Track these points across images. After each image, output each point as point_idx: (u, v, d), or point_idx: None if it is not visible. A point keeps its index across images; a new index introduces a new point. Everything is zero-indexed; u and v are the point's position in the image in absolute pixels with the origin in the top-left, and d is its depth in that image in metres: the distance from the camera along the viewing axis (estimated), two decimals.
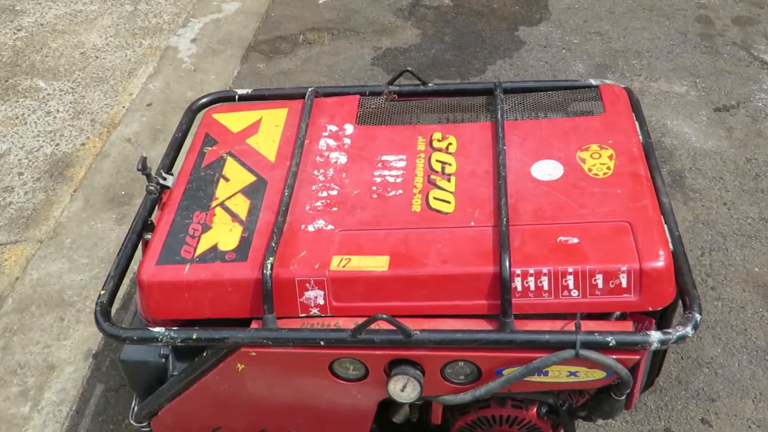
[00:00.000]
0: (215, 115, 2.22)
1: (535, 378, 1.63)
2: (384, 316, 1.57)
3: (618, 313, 1.71)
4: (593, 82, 2.20)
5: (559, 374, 1.63)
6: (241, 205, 1.90)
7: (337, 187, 1.91)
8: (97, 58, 4.14)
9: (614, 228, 1.68)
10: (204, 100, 2.34)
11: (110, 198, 3.26)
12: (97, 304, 1.75)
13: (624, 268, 1.60)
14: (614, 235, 1.67)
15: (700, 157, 3.43)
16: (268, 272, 1.68)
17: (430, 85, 2.27)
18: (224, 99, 2.36)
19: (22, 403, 2.50)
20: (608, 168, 1.84)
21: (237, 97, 2.35)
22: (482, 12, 4.45)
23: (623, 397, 1.70)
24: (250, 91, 2.36)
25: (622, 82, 3.89)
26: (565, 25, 4.31)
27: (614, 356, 1.58)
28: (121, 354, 1.85)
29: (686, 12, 4.39)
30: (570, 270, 1.62)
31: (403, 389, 1.67)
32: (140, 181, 3.34)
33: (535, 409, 1.88)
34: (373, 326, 1.61)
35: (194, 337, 1.67)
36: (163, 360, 1.83)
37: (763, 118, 3.62)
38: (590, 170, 1.84)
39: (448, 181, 1.88)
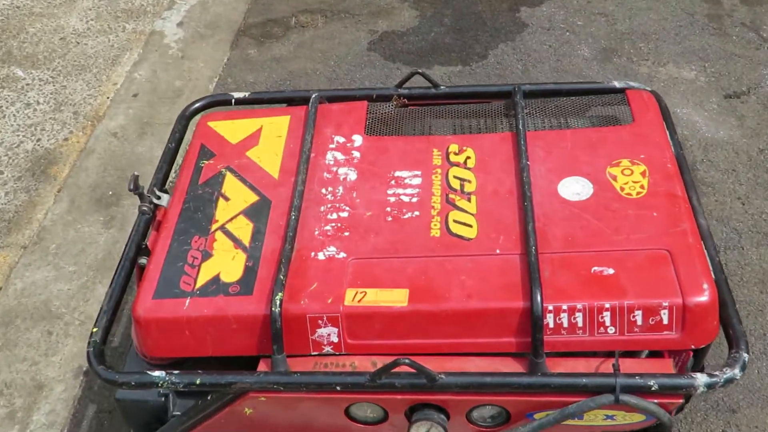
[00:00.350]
0: (211, 124, 2.05)
1: (569, 422, 1.52)
2: (407, 360, 1.44)
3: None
4: (617, 84, 2.05)
5: (594, 418, 1.52)
6: (244, 229, 1.75)
7: (347, 208, 1.76)
8: (78, 43, 3.92)
9: (652, 257, 1.56)
10: (197, 105, 2.17)
11: (97, 198, 3.09)
12: (89, 344, 1.60)
13: (665, 304, 1.48)
14: (653, 266, 1.54)
15: (711, 147, 3.30)
16: (278, 309, 1.54)
17: (441, 87, 2.12)
18: (219, 103, 2.20)
19: (9, 426, 2.36)
20: (642, 187, 1.71)
21: (233, 101, 2.18)
22: None
23: None
24: (247, 94, 2.19)
25: (629, 67, 3.75)
26: (569, 6, 4.14)
27: (656, 400, 1.46)
28: (117, 392, 1.71)
29: None
30: (607, 306, 1.49)
31: None
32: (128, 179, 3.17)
33: None
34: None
35: (198, 382, 1.53)
36: (163, 399, 1.69)
37: None
38: (622, 189, 1.71)
39: (469, 201, 1.74)
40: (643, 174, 1.73)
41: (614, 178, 1.74)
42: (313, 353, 1.59)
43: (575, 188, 1.73)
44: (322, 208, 1.77)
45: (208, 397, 1.60)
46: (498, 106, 2.02)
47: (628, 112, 1.91)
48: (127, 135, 3.37)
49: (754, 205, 3.04)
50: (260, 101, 2.21)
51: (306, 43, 3.93)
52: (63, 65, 3.78)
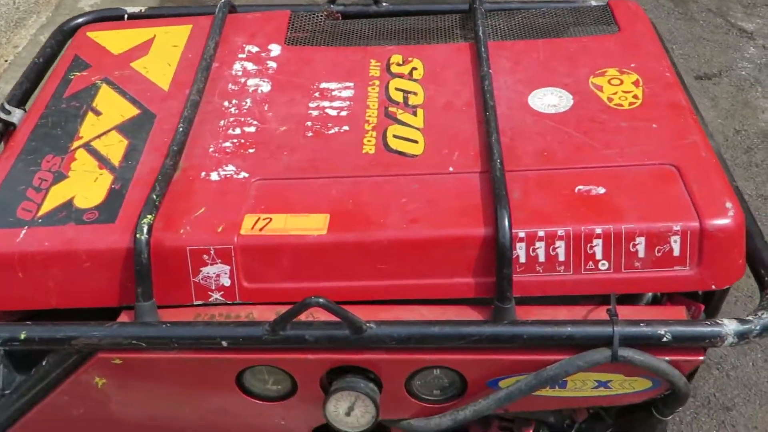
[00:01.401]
0: (91, 34, 1.63)
1: (547, 392, 1.10)
2: (321, 300, 1.01)
3: (649, 295, 1.20)
4: (594, 2, 1.69)
5: (582, 385, 1.11)
6: (115, 147, 1.32)
7: (255, 123, 1.35)
8: None
9: (655, 173, 1.18)
10: (80, 20, 1.74)
11: None
12: None
13: (676, 228, 1.09)
14: (656, 183, 1.16)
15: None
16: (144, 237, 1.10)
17: (384, 4, 1.73)
18: (108, 19, 1.76)
19: None
20: (635, 97, 1.33)
21: (126, 16, 1.76)
22: None
23: (670, 417, 1.19)
24: (143, 9, 1.77)
25: None
26: None
27: (667, 357, 1.06)
28: None
29: None
30: (598, 231, 1.10)
31: (350, 412, 1.12)
32: None
33: None
34: (304, 317, 1.06)
35: (22, 337, 1.07)
36: None
37: (748, 87, 3.31)
38: (610, 99, 1.33)
39: (414, 114, 1.34)
40: (635, 83, 1.36)
41: (599, 88, 1.36)
42: (196, 302, 1.15)
43: (550, 100, 1.35)
44: (222, 122, 1.35)
45: (44, 363, 1.13)
46: (453, 19, 1.64)
47: (613, 22, 1.56)
48: None
49: None
50: (160, 17, 1.78)
51: None
52: None
